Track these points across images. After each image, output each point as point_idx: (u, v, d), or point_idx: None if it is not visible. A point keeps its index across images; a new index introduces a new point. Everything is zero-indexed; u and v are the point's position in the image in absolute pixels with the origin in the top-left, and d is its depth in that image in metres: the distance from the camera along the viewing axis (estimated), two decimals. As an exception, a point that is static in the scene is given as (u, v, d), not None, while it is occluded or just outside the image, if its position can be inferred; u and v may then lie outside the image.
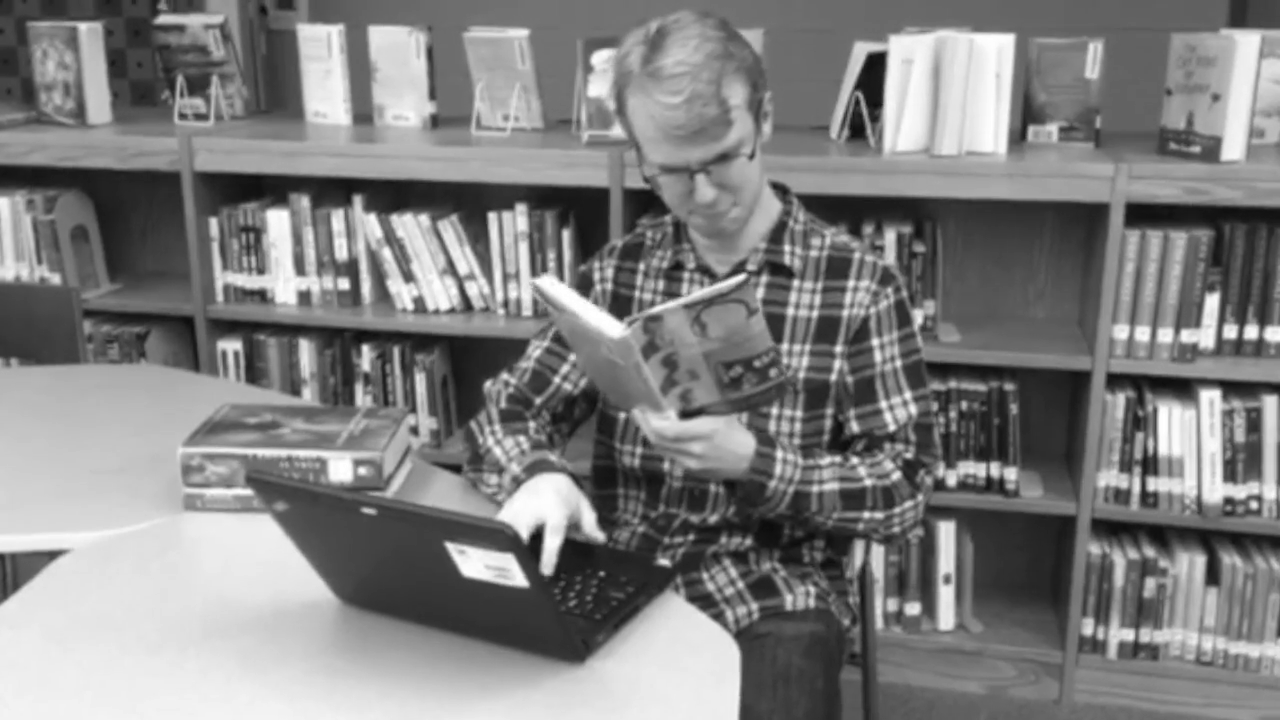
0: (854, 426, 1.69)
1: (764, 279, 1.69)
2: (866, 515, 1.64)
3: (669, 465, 1.70)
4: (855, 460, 1.66)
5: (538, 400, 1.76)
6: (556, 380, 1.76)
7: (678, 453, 1.52)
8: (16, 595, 1.43)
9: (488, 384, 1.81)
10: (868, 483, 1.64)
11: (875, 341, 1.67)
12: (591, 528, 1.54)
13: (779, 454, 1.59)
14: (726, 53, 1.53)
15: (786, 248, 1.70)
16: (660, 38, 1.53)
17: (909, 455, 1.67)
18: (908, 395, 1.68)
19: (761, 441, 1.59)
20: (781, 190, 1.76)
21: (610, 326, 1.42)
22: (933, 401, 1.73)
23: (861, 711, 1.96)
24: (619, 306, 1.76)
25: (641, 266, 1.77)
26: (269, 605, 1.41)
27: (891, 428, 1.67)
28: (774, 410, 1.67)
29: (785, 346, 1.67)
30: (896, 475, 1.65)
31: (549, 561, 1.44)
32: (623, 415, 1.73)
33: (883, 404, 1.68)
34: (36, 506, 1.67)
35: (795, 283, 1.69)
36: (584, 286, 1.80)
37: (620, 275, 1.78)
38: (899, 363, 1.68)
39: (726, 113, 1.53)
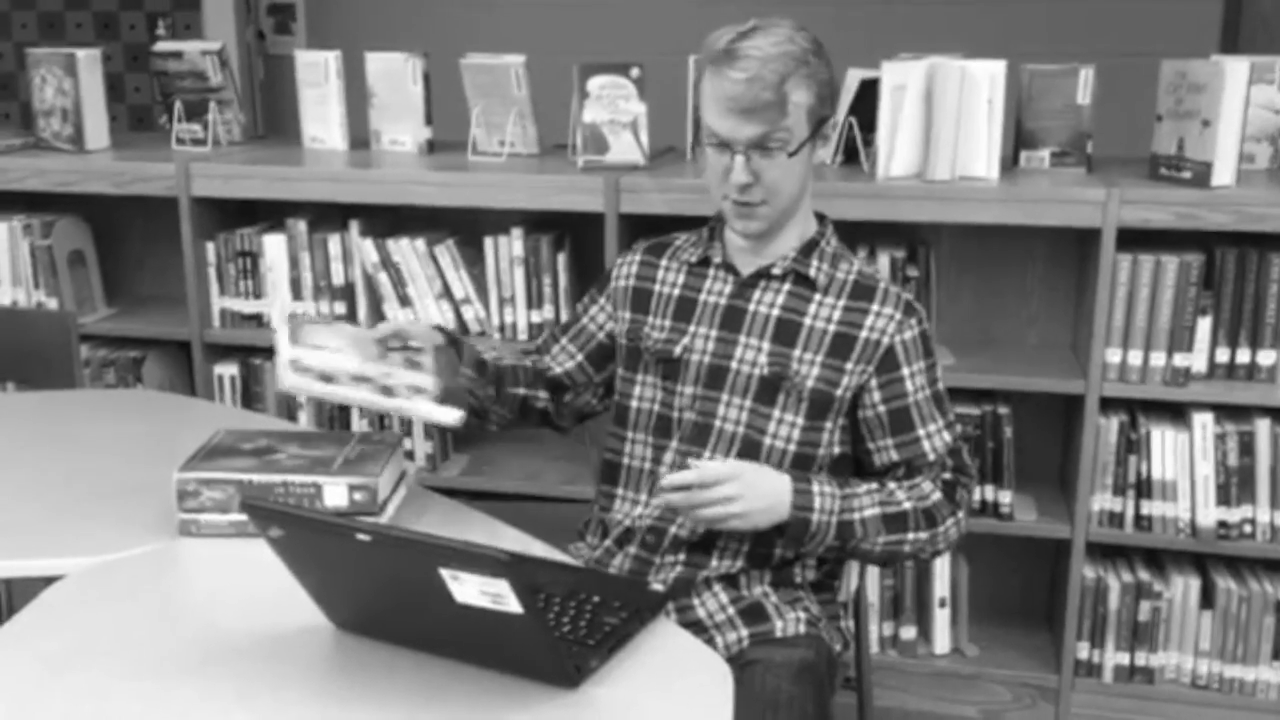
0: (893, 455, 1.72)
1: (786, 286, 1.75)
2: (911, 537, 1.67)
3: (668, 457, 1.75)
4: (892, 485, 1.70)
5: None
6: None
7: (720, 506, 1.57)
8: (11, 621, 1.43)
9: None
10: (907, 505, 1.68)
11: (905, 371, 1.71)
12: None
13: (815, 487, 1.64)
14: (804, 59, 1.63)
15: (814, 263, 1.75)
16: (752, 30, 1.64)
17: (947, 476, 1.72)
18: (941, 423, 1.73)
19: (795, 479, 1.63)
20: (819, 217, 1.81)
21: None
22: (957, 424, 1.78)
23: (856, 736, 1.96)
24: (638, 300, 1.83)
25: (664, 262, 1.84)
26: (264, 631, 1.41)
27: (931, 456, 1.71)
28: (775, 413, 1.70)
29: (796, 353, 1.71)
30: (936, 495, 1.70)
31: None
32: (634, 404, 1.79)
33: (920, 432, 1.71)
34: (31, 532, 1.67)
35: (817, 296, 1.74)
36: (603, 283, 1.90)
37: (642, 269, 1.85)
38: (929, 391, 1.72)
39: (783, 103, 1.61)
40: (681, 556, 1.72)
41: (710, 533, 1.70)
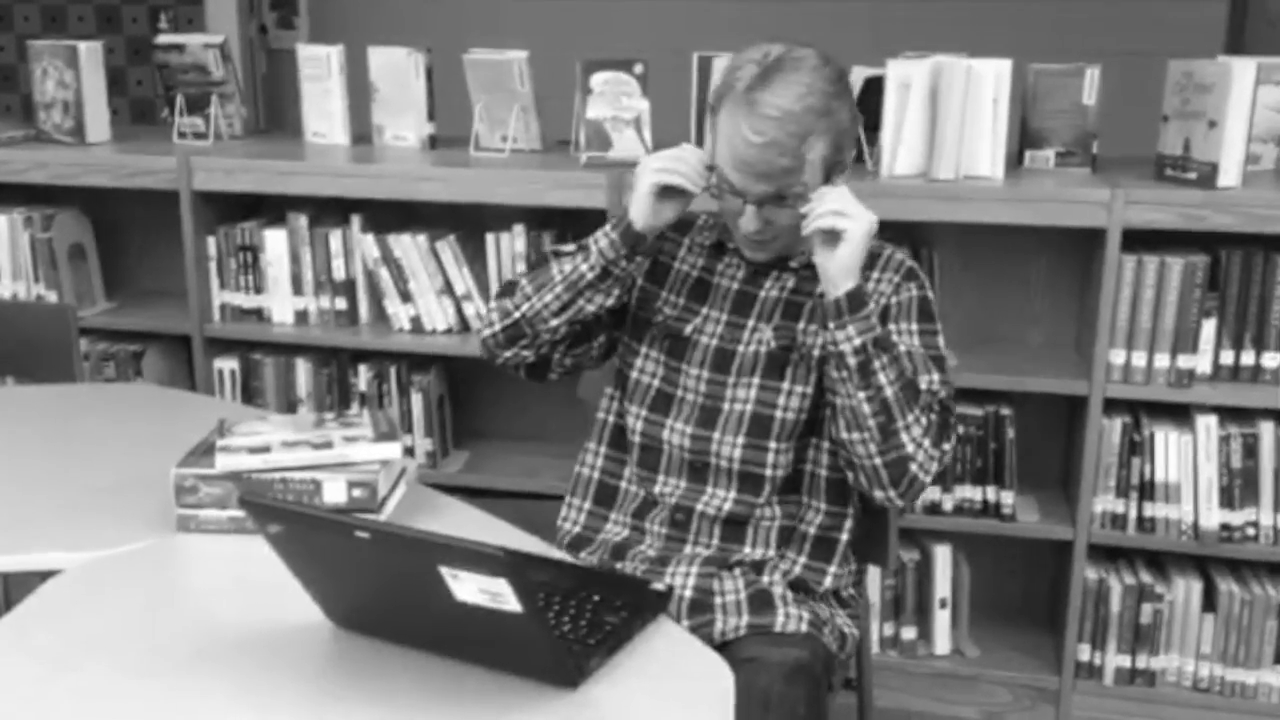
0: None
1: (799, 274, 1.75)
2: (911, 419, 1.59)
3: (667, 435, 1.74)
4: None
5: None
6: None
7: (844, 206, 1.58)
8: (8, 616, 1.43)
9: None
10: (920, 389, 1.62)
11: (892, 327, 1.69)
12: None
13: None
14: (826, 109, 1.59)
15: None
16: (775, 68, 1.59)
17: (934, 417, 1.63)
18: (935, 376, 1.66)
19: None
20: None
21: None
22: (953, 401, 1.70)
23: (856, 737, 1.96)
24: (655, 272, 1.82)
25: (686, 241, 1.84)
26: (262, 628, 1.40)
27: (922, 386, 1.64)
28: (784, 385, 1.71)
29: (802, 325, 1.72)
30: (935, 417, 1.63)
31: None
32: (634, 374, 1.78)
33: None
34: (29, 526, 1.66)
35: None
36: None
37: (664, 245, 1.83)
38: (921, 351, 1.68)
39: (800, 165, 1.60)
40: (715, 541, 1.72)
41: (742, 514, 1.71)
